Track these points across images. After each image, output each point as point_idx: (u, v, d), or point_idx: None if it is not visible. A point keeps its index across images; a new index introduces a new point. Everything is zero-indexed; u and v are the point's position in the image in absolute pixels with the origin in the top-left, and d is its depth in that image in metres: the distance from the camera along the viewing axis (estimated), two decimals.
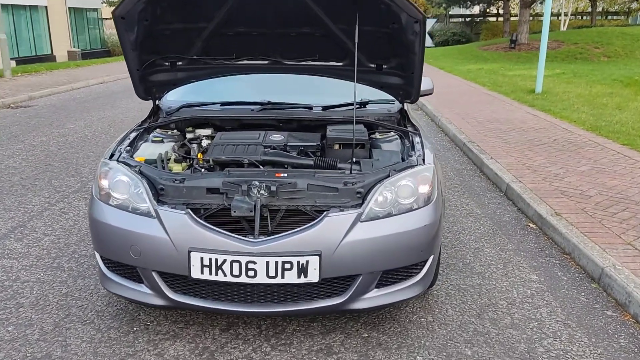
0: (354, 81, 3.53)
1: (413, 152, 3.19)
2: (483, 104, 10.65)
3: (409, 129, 3.57)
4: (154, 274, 2.75)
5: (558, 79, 14.27)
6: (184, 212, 2.68)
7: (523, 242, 4.35)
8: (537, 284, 3.65)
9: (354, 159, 3.22)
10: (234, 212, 2.71)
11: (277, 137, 3.32)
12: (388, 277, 2.85)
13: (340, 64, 3.44)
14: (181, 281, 2.75)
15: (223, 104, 3.75)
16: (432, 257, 2.95)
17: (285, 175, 2.85)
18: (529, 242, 4.37)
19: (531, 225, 4.72)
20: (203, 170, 3.03)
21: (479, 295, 3.47)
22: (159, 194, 2.83)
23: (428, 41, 35.44)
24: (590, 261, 3.78)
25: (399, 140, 3.47)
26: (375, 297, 2.82)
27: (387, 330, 3.05)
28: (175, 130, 3.58)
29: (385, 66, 3.44)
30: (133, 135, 3.44)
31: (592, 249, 3.88)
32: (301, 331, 3.02)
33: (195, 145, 3.33)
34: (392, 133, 3.54)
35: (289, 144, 3.24)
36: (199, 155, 3.21)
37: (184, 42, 3.38)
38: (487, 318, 3.20)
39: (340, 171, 2.94)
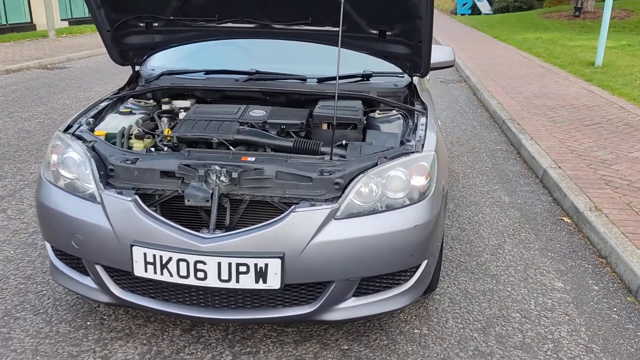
0: (353, 49, 3.05)
1: (413, 136, 2.69)
2: (533, 77, 9.81)
3: (416, 107, 3.06)
4: (97, 267, 2.41)
5: (622, 52, 13.08)
6: (129, 198, 2.31)
7: (553, 240, 3.79)
8: (562, 293, 3.12)
9: (343, 142, 2.75)
10: (188, 200, 2.33)
11: (257, 112, 2.89)
12: (369, 285, 2.41)
13: (337, 29, 2.94)
14: (128, 277, 2.40)
15: (207, 72, 3.33)
16: (425, 262, 2.48)
17: (253, 159, 2.43)
18: (559, 240, 3.80)
19: (565, 219, 4.14)
20: (165, 149, 2.65)
21: (489, 305, 2.98)
22: (108, 175, 2.47)
23: (486, 7, 33.67)
24: (629, 269, 3.21)
25: (401, 121, 2.96)
26: (352, 308, 2.40)
27: (372, 342, 2.63)
28: (151, 101, 3.20)
29: (389, 33, 2.92)
30: (103, 104, 3.08)
31: (633, 255, 3.30)
32: (272, 337, 2.64)
33: (165, 119, 2.94)
34: (395, 112, 3.04)
35: (268, 121, 2.80)
36: (167, 131, 2.82)
37: (158, 0, 2.96)
38: (494, 334, 2.72)
39: (319, 157, 2.49)
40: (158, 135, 2.76)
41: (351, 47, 3.05)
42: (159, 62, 3.59)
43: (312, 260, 2.24)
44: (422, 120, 2.90)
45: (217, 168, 2.33)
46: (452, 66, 3.90)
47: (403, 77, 3.34)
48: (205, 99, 3.25)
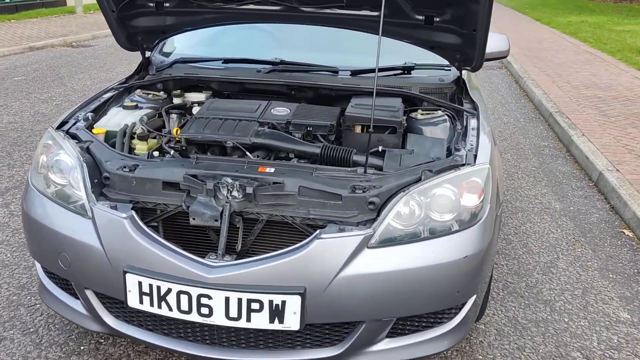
0: (393, 37, 2.61)
1: (463, 143, 2.26)
2: (581, 65, 9.15)
3: (466, 107, 2.61)
4: (87, 292, 2.06)
5: None
6: (124, 214, 1.94)
7: (613, 258, 3.32)
8: (629, 327, 2.67)
9: (380, 149, 2.33)
10: (193, 219, 1.95)
11: (280, 110, 2.49)
12: (405, 325, 2.02)
13: (376, 13, 2.51)
14: (122, 305, 2.04)
15: (226, 61, 2.93)
16: (473, 298, 2.07)
17: (272, 171, 2.03)
18: (621, 258, 3.33)
19: (627, 232, 3.65)
20: (172, 153, 2.27)
21: (543, 339, 2.55)
22: (103, 184, 2.11)
23: None
24: None
25: (448, 124, 2.52)
26: (384, 351, 2.01)
27: None
28: (161, 93, 2.82)
29: (437, 19, 2.47)
30: (107, 96, 2.72)
31: None
32: None
33: (174, 116, 2.56)
34: (440, 112, 2.60)
35: (293, 121, 2.40)
36: (175, 130, 2.44)
37: None
38: None
39: (351, 169, 2.08)
40: (165, 136, 2.38)
41: (392, 34, 2.60)
42: (173, 47, 3.21)
43: (339, 297, 1.86)
44: (473, 123, 2.46)
45: (229, 181, 1.95)
46: (506, 57, 3.41)
47: (450, 70, 2.89)
48: (223, 91, 2.86)
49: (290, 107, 2.52)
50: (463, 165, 2.09)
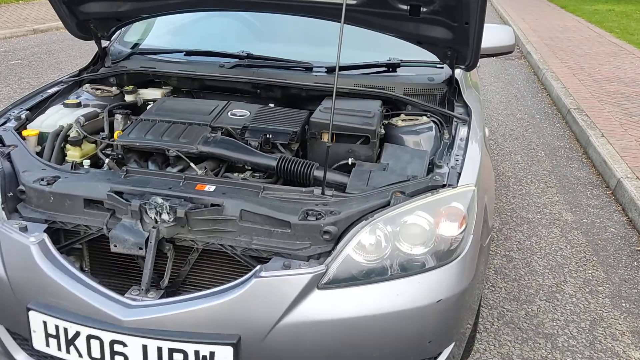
0: (373, 29, 2.26)
1: (448, 158, 1.91)
2: (605, 57, 8.61)
3: (456, 112, 2.25)
4: None
5: None
6: (32, 238, 1.63)
7: (628, 282, 2.94)
8: None
9: (349, 161, 1.99)
10: (114, 245, 1.64)
11: (239, 113, 2.16)
12: None
13: (355, 1, 2.14)
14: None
15: (188, 53, 2.58)
16: (450, 346, 1.73)
17: (212, 189, 1.71)
18: (637, 282, 2.95)
19: None
20: (107, 161, 1.95)
21: None
22: (18, 199, 1.80)
23: None
24: None
25: (434, 132, 2.16)
26: None
27: None
28: (114, 89, 2.50)
29: (424, 9, 2.10)
30: (52, 90, 2.41)
31: None
32: None
33: (120, 117, 2.23)
34: (427, 118, 2.23)
35: (250, 126, 2.06)
36: (117, 134, 2.12)
37: None
38: None
39: (305, 190, 1.74)
40: (102, 141, 2.06)
41: (371, 26, 2.24)
42: (137, 36, 2.88)
43: (281, 349, 1.53)
44: (463, 132, 2.11)
45: (159, 201, 1.63)
46: (510, 52, 3.01)
47: (442, 67, 2.51)
48: (182, 88, 2.52)
49: (252, 109, 2.19)
50: (443, 186, 1.74)
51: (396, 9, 2.14)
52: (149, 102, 2.41)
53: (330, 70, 2.42)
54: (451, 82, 2.43)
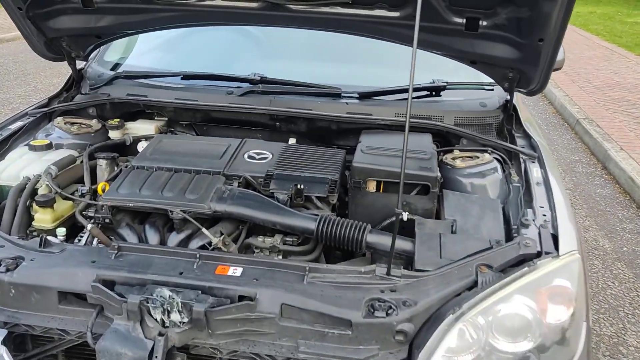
0: (420, 47, 1.84)
1: (530, 212, 1.50)
2: (599, 61, 8.37)
3: (520, 147, 1.85)
4: None
5: None
6: None
7: None
8: None
9: (404, 216, 1.56)
10: None
11: (258, 154, 1.72)
12: None
13: (397, 14, 1.72)
14: None
15: (186, 76, 2.13)
16: None
17: (238, 272, 1.27)
18: None
19: None
20: (89, 228, 1.49)
21: None
22: None
23: None
24: None
25: (500, 173, 1.76)
26: None
27: None
28: (94, 122, 2.03)
29: (484, 23, 1.69)
30: (15, 126, 1.94)
31: None
32: None
33: (103, 162, 1.77)
34: (488, 155, 1.82)
35: (276, 173, 1.63)
36: (102, 186, 1.65)
37: None
38: None
39: (366, 269, 1.31)
40: (81, 200, 1.59)
41: (418, 44, 1.82)
42: (120, 54, 2.41)
43: None
44: (537, 173, 1.71)
45: (166, 294, 1.18)
46: (559, 68, 2.62)
47: (493, 90, 2.10)
48: (180, 121, 2.07)
49: (273, 148, 1.75)
50: (538, 255, 1.34)
51: (449, 23, 1.73)
52: (142, 139, 1.95)
53: (363, 95, 1.98)
54: (506, 108, 2.03)
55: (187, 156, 1.70)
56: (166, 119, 2.06)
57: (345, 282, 1.26)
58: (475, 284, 1.26)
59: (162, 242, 1.50)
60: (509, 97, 2.02)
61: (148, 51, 2.46)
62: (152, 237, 1.50)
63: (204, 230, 1.45)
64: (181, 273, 1.25)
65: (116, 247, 1.32)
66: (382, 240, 1.44)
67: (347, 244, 1.44)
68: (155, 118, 2.09)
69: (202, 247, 1.48)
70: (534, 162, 1.79)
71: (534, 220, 1.47)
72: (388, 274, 1.27)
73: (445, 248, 1.39)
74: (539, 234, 1.42)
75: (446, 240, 1.42)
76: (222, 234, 1.49)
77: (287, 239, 1.51)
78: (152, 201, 1.50)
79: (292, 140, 1.93)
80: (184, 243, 1.50)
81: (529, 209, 1.53)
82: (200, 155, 1.70)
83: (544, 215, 1.50)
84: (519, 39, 1.70)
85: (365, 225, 1.45)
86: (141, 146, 1.93)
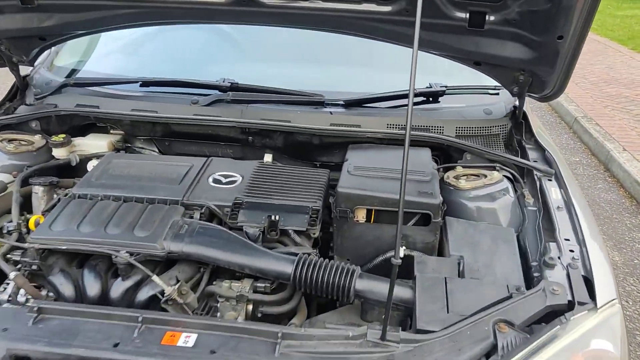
0: (423, 48, 1.56)
1: (555, 247, 1.24)
2: (593, 56, 8.15)
3: (532, 162, 1.58)
4: None
5: None
6: None
7: None
8: None
9: (402, 251, 1.29)
10: None
11: (225, 177, 1.44)
12: None
13: (388, 8, 1.45)
14: None
15: (145, 83, 1.83)
16: None
17: (192, 342, 1.00)
18: None
19: None
20: (12, 277, 1.20)
21: None
22: None
23: None
24: None
25: (511, 195, 1.49)
26: None
27: None
28: (37, 137, 1.74)
29: (492, 18, 1.42)
30: None
31: None
32: None
33: (40, 190, 1.48)
34: (497, 172, 1.56)
35: (245, 201, 1.35)
36: (33, 221, 1.35)
37: None
38: None
39: (355, 333, 1.03)
40: (3, 241, 1.30)
41: (406, 41, 1.55)
42: (75, 58, 2.12)
43: None
44: (556, 194, 1.45)
45: None
46: None
47: (497, 94, 1.83)
48: (137, 135, 1.78)
49: (244, 168, 1.48)
50: (570, 307, 1.08)
51: (450, 19, 1.46)
52: (93, 158, 1.66)
53: (351, 104, 1.71)
54: (515, 116, 1.76)
55: (141, 180, 1.42)
56: (122, 133, 1.77)
57: (328, 352, 0.99)
58: (494, 348, 1.00)
59: (104, 292, 1.22)
60: (517, 103, 1.76)
61: (107, 54, 2.17)
62: (92, 285, 1.22)
63: (154, 278, 1.17)
64: (117, 345, 0.97)
65: (35, 308, 1.04)
66: (374, 287, 1.16)
67: (331, 292, 1.17)
68: (111, 132, 1.80)
69: (153, 299, 1.20)
70: (550, 179, 1.53)
71: (559, 257, 1.21)
72: (383, 338, 1.00)
73: (453, 298, 1.12)
74: (568, 276, 1.16)
75: (453, 287, 1.15)
76: (178, 280, 1.22)
77: (259, 284, 1.24)
78: (92, 241, 1.22)
79: (267, 157, 1.66)
80: (131, 293, 1.22)
81: (552, 243, 1.26)
82: (157, 180, 1.42)
83: (571, 250, 1.23)
84: (533, 36, 1.44)
85: (353, 269, 1.18)
86: (91, 166, 1.64)
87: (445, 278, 1.17)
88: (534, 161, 1.62)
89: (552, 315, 1.08)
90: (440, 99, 1.79)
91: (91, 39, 2.13)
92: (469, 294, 1.13)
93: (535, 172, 1.55)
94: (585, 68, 7.35)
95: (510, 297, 1.11)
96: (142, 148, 1.76)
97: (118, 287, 1.22)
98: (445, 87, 1.77)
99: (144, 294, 1.21)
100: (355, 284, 1.16)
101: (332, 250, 1.41)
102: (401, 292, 1.16)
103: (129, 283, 1.21)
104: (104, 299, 1.22)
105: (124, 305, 1.20)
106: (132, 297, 1.21)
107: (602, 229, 3.33)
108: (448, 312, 1.08)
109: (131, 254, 1.19)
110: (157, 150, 1.77)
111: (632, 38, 9.61)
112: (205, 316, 1.20)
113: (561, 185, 1.50)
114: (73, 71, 2.05)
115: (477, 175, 1.54)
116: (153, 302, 1.21)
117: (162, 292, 1.18)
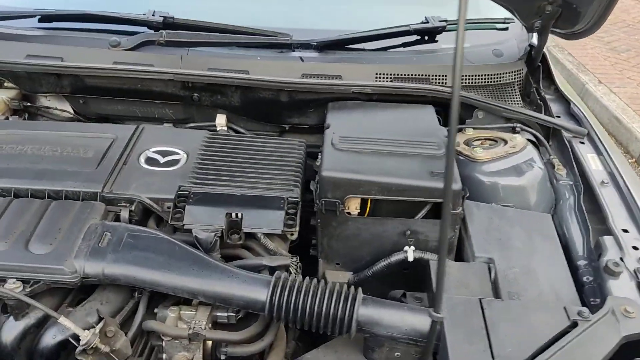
0: None
1: (611, 240, 0.94)
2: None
3: (558, 120, 1.25)
4: None
5: None
6: None
7: None
8: None
9: (410, 252, 0.94)
10: None
11: (163, 153, 1.05)
12: None
13: None
14: None
15: (46, 17, 1.35)
16: None
17: None
18: None
19: None
20: None
21: None
22: None
23: None
24: None
25: (540, 166, 1.16)
26: None
27: None
28: None
29: None
30: None
31: None
32: None
33: None
34: (519, 136, 1.21)
35: (194, 190, 0.97)
36: None
37: None
38: None
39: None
40: None
41: None
42: None
43: None
44: (593, 161, 1.13)
45: None
46: None
47: (507, 28, 1.46)
48: (39, 92, 1.32)
49: (189, 140, 1.09)
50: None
51: None
52: None
53: (327, 46, 1.30)
54: (531, 59, 1.40)
55: (41, 162, 1.01)
56: (17, 90, 1.31)
57: None
58: None
59: None
60: (535, 41, 1.40)
61: None
62: None
63: (61, 320, 0.80)
64: None
65: None
66: (383, 317, 0.83)
67: (323, 325, 0.83)
68: (5, 86, 1.34)
69: (64, 345, 0.83)
70: (582, 141, 1.21)
71: (622, 259, 0.90)
72: None
73: (497, 333, 0.79)
74: (639, 287, 0.85)
75: (493, 315, 0.82)
76: (100, 317, 0.84)
77: (220, 313, 0.88)
78: None
79: (220, 119, 1.25)
80: (32, 337, 0.84)
81: (607, 237, 0.95)
82: (64, 161, 1.01)
83: (636, 248, 0.93)
84: None
85: (354, 294, 0.84)
86: None
87: (480, 300, 0.84)
88: (557, 115, 1.29)
89: (627, 349, 0.78)
90: (438, 37, 1.40)
91: None
92: (516, 326, 0.81)
93: (563, 132, 1.22)
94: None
95: (574, 325, 0.80)
96: (48, 108, 1.31)
97: (11, 330, 0.84)
98: (446, 21, 1.38)
99: (49, 339, 0.84)
100: (358, 313, 0.82)
101: (314, 250, 1.06)
102: (419, 322, 0.83)
103: (23, 325, 0.83)
104: None
105: (24, 355, 0.83)
106: (34, 343, 0.84)
107: None
108: (493, 359, 0.76)
109: (24, 283, 0.81)
110: (70, 111, 1.33)
111: None
112: None
113: (598, 150, 1.18)
114: None
115: (495, 140, 1.20)
116: (67, 348, 0.84)
117: (77, 337, 0.81)
